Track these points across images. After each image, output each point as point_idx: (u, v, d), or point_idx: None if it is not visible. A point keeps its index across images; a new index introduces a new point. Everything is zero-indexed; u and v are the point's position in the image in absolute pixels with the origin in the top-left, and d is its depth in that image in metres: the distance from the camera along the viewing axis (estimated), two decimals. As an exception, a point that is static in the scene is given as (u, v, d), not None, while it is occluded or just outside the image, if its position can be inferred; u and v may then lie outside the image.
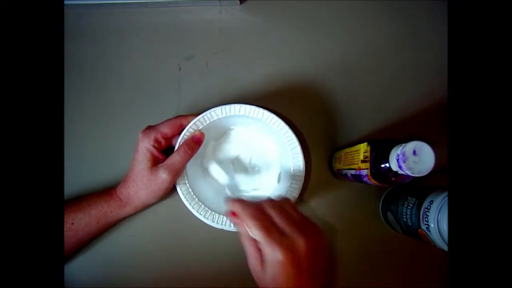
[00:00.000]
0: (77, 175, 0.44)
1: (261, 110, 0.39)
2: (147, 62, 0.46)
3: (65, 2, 0.44)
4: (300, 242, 0.29)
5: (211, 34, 0.46)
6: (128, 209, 0.40)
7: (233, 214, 0.31)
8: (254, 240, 0.30)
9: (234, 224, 0.31)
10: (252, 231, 0.29)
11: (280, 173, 0.42)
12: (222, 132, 0.44)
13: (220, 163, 0.43)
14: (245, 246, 0.31)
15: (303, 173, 0.39)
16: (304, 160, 0.39)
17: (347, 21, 0.47)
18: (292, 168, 0.39)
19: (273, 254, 0.28)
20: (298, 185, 0.39)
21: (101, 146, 0.45)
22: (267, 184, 0.43)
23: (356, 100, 0.45)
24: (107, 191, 0.40)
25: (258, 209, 0.31)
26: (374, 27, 0.47)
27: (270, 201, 0.32)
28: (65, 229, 0.38)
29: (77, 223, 0.38)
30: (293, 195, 0.39)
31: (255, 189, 0.43)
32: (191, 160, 0.39)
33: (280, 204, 0.32)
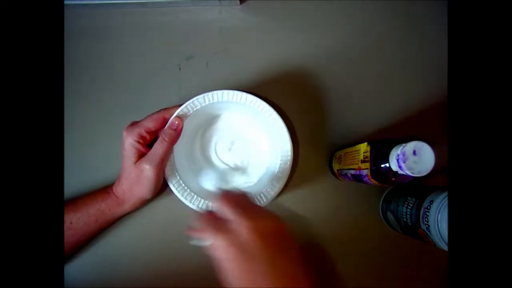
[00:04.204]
0: (77, 175, 0.44)
1: (244, 94, 0.39)
2: (147, 62, 0.46)
3: (65, 2, 0.44)
4: (239, 224, 0.25)
5: (211, 34, 0.46)
6: (126, 207, 0.40)
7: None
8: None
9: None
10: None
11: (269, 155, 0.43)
12: (210, 119, 0.44)
13: (209, 151, 0.44)
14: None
15: (291, 152, 0.39)
16: (291, 140, 0.39)
17: (347, 21, 0.46)
18: (280, 150, 0.40)
19: (210, 245, 0.26)
20: (288, 164, 0.39)
21: (100, 145, 0.45)
22: (255, 169, 0.43)
23: (356, 100, 0.45)
24: (104, 189, 0.40)
25: (209, 212, 0.29)
26: (375, 28, 0.47)
27: (224, 195, 0.29)
28: (64, 228, 0.38)
29: (75, 223, 0.38)
30: (284, 173, 0.39)
31: (243, 174, 0.43)
32: (181, 150, 0.39)
33: (232, 196, 0.29)
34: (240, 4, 0.46)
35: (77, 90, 0.45)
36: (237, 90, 0.39)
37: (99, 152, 0.45)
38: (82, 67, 0.46)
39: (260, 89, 0.45)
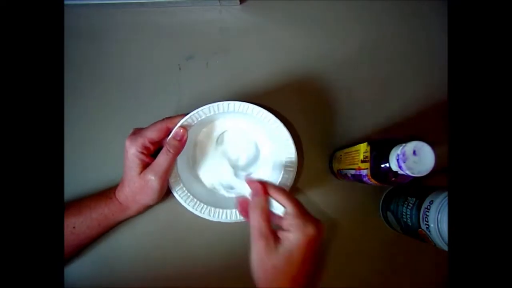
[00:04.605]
0: (77, 176, 0.44)
1: (250, 105, 0.38)
2: (147, 62, 0.46)
3: (65, 2, 0.44)
4: (318, 228, 0.29)
5: (211, 34, 0.46)
6: (129, 212, 0.40)
7: (261, 185, 0.32)
8: (268, 215, 0.30)
9: (255, 193, 0.31)
10: (283, 202, 0.30)
11: (273, 163, 0.43)
12: (214, 127, 0.43)
13: (212, 158, 0.43)
14: (253, 218, 0.30)
15: (296, 163, 0.39)
16: (296, 151, 0.39)
17: (347, 21, 0.46)
18: (284, 160, 0.39)
19: (304, 227, 0.28)
20: (291, 175, 0.39)
21: (100, 146, 0.45)
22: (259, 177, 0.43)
23: (356, 100, 0.45)
24: (106, 193, 0.40)
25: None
26: (375, 28, 0.46)
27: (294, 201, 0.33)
28: (67, 233, 0.38)
29: (78, 227, 0.38)
30: (287, 184, 0.39)
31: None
32: (184, 157, 0.39)
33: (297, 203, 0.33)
34: (240, 4, 0.46)
35: (76, 90, 0.45)
36: (239, 99, 0.39)
37: (99, 152, 0.45)
38: (82, 67, 0.45)
39: (260, 89, 0.45)
